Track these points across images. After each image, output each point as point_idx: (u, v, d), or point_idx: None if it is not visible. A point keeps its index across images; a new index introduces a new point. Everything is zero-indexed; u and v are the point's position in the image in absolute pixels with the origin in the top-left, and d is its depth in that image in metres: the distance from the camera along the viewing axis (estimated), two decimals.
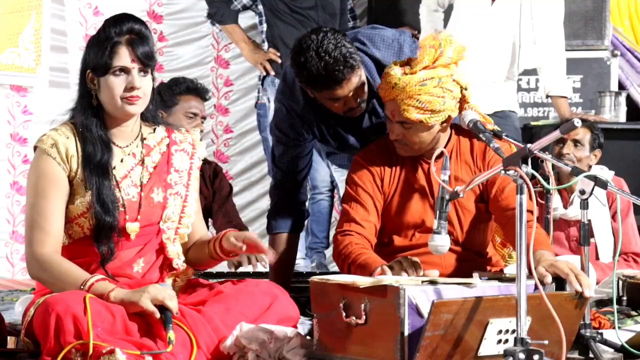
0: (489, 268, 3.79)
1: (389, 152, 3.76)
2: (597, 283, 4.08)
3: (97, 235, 3.21)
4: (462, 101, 3.65)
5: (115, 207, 3.21)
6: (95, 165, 3.21)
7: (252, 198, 6.86)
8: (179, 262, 3.35)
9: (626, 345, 3.27)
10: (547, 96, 5.67)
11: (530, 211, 2.94)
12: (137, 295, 3.04)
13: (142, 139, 3.36)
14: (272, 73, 5.86)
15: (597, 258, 4.79)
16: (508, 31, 5.39)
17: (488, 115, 5.19)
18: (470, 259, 3.66)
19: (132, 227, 3.26)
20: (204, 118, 4.86)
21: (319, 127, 3.97)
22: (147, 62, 3.21)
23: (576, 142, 4.87)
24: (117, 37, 3.21)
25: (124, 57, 3.20)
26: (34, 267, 3.19)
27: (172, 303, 3.03)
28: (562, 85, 5.62)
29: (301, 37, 3.75)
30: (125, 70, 3.20)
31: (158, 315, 3.02)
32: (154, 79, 3.31)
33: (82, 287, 3.08)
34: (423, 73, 3.54)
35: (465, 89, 3.64)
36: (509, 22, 5.38)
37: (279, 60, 5.80)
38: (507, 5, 5.37)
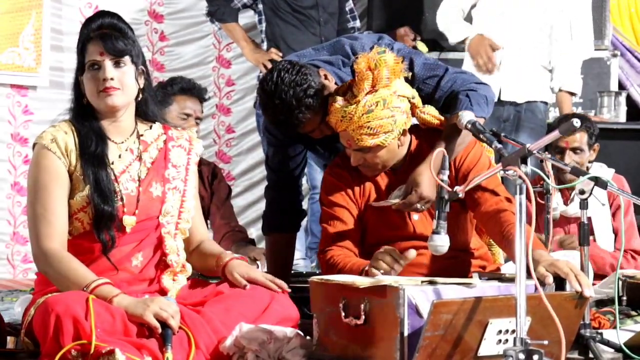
0: (474, 263, 3.80)
1: (350, 172, 3.77)
2: (595, 282, 4.07)
3: (97, 225, 3.23)
4: (413, 108, 3.66)
5: (113, 197, 3.24)
6: (91, 156, 3.26)
7: (254, 199, 6.84)
8: (174, 258, 3.36)
9: (624, 347, 3.27)
10: (559, 90, 5.64)
11: (528, 212, 2.94)
12: (141, 308, 3.05)
13: (139, 136, 3.39)
14: None
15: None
16: (542, 19, 5.39)
17: (518, 104, 5.26)
18: (455, 257, 3.66)
19: (129, 221, 3.28)
20: (199, 119, 4.85)
21: (309, 139, 3.97)
22: (116, 53, 3.27)
23: (575, 149, 4.84)
24: (89, 34, 3.30)
25: (93, 51, 3.28)
26: (42, 262, 3.21)
27: (174, 322, 3.04)
28: (575, 82, 5.61)
29: (261, 79, 3.77)
30: (97, 64, 3.27)
31: (160, 330, 3.03)
32: (144, 72, 3.36)
33: (85, 288, 3.09)
34: (366, 99, 3.53)
35: (413, 98, 3.64)
36: (543, 10, 5.38)
37: None
38: None
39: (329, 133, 3.77)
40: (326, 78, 3.74)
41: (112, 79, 3.26)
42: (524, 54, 5.39)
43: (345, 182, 3.76)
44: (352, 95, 3.56)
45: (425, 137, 3.74)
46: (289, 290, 3.34)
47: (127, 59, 3.29)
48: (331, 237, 3.72)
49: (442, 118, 3.72)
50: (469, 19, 5.66)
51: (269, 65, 5.82)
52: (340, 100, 3.57)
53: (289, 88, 3.62)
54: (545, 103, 5.56)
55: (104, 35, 3.28)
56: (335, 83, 3.77)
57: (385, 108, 3.53)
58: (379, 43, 3.89)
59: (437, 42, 6.21)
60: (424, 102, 3.79)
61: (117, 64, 3.28)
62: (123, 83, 3.29)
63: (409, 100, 3.63)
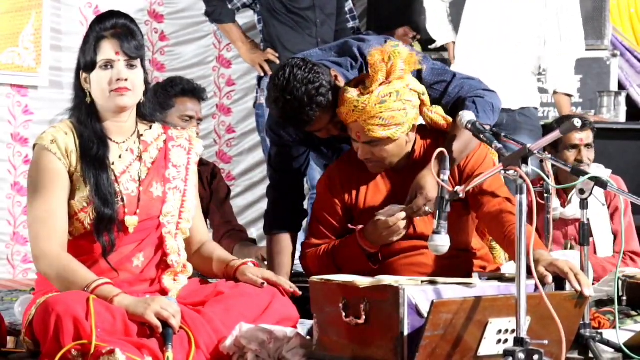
0: (476, 263, 3.80)
1: (350, 170, 3.80)
2: (596, 280, 4.07)
3: (97, 228, 3.23)
4: (421, 105, 3.67)
5: (113, 200, 3.24)
6: (92, 159, 3.26)
7: (255, 199, 6.84)
8: (174, 258, 3.36)
9: (624, 347, 3.27)
10: (554, 92, 5.65)
11: (529, 210, 2.94)
12: (142, 307, 3.05)
13: (139, 136, 3.40)
14: (270, 73, 5.84)
15: (595, 253, 4.79)
16: (533, 24, 5.39)
17: (512, 110, 5.26)
18: (455, 256, 3.66)
19: (131, 221, 3.28)
20: (200, 120, 4.84)
21: (314, 139, 3.98)
22: (132, 54, 3.27)
23: (588, 146, 4.88)
24: (102, 32, 3.28)
25: (108, 50, 3.27)
26: (42, 263, 3.21)
27: (175, 321, 3.05)
28: (570, 83, 5.61)
29: (273, 74, 3.77)
30: (110, 63, 3.26)
31: (161, 330, 3.03)
32: (146, 74, 3.36)
33: (85, 289, 3.09)
34: (380, 90, 3.54)
35: (423, 94, 3.65)
36: (534, 15, 5.38)
37: (277, 61, 5.79)
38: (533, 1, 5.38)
39: (336, 133, 3.77)
40: (336, 79, 3.74)
41: (126, 79, 3.26)
42: (520, 58, 5.39)
43: (338, 195, 3.79)
44: (365, 87, 3.57)
45: (430, 139, 3.75)
46: (300, 292, 3.37)
47: (139, 61, 3.30)
48: (312, 245, 3.85)
49: (450, 119, 3.73)
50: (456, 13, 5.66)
51: (265, 66, 5.84)
52: (352, 91, 3.58)
53: (301, 85, 3.63)
54: (536, 108, 5.57)
55: (120, 35, 3.27)
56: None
57: (398, 100, 3.54)
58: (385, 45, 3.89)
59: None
60: None
61: (130, 65, 3.28)
62: (134, 84, 3.29)
63: (419, 97, 3.64)
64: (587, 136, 4.85)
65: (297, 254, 4.11)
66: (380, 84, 3.54)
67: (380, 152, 3.64)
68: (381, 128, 3.55)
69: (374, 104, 3.52)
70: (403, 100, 3.56)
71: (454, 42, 5.69)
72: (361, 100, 3.54)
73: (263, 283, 3.33)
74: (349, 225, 3.75)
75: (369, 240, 3.63)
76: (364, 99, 3.54)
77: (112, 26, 3.29)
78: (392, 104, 3.53)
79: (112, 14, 3.33)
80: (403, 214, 3.52)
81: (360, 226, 3.66)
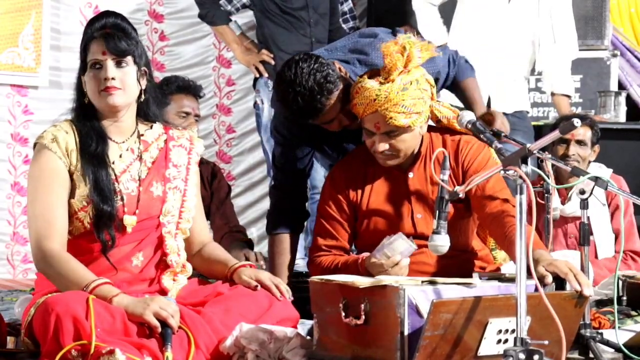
0: (477, 262, 3.81)
1: (353, 170, 3.81)
2: (595, 284, 4.07)
3: (96, 225, 3.24)
4: (430, 98, 3.70)
5: (112, 196, 3.25)
6: (91, 156, 3.27)
7: (255, 199, 6.85)
8: (174, 258, 3.36)
9: (623, 348, 3.27)
10: (552, 94, 5.66)
11: (529, 210, 2.94)
12: (141, 307, 3.06)
13: (139, 135, 3.40)
14: (265, 75, 5.84)
15: (596, 256, 4.79)
16: (527, 29, 5.40)
17: (506, 114, 5.28)
18: (456, 256, 3.66)
19: (130, 220, 3.29)
20: (197, 116, 4.85)
21: (318, 139, 3.98)
22: (118, 53, 3.27)
23: (580, 142, 4.88)
24: (93, 33, 3.31)
25: (95, 51, 3.29)
26: (41, 261, 3.22)
27: (174, 321, 3.05)
28: (567, 84, 5.61)
29: (278, 73, 3.81)
30: (99, 63, 3.28)
31: (160, 330, 3.03)
32: (147, 73, 3.37)
33: (84, 288, 3.09)
34: (401, 78, 3.57)
35: (433, 87, 3.71)
36: (528, 20, 5.39)
37: (272, 62, 5.79)
38: (525, 3, 5.37)
39: (347, 123, 3.78)
40: (341, 70, 3.78)
41: (113, 78, 3.26)
42: (513, 64, 5.39)
43: (344, 193, 3.79)
44: (384, 76, 3.60)
45: (437, 135, 3.77)
46: (291, 298, 3.36)
47: (129, 59, 3.30)
48: (321, 248, 3.81)
49: (457, 110, 3.75)
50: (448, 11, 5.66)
51: (260, 67, 5.85)
52: (371, 82, 3.61)
53: (310, 75, 3.67)
54: (527, 112, 5.59)
55: (107, 35, 3.28)
56: (350, 77, 3.80)
57: (417, 88, 3.61)
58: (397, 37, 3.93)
59: None
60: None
61: (119, 64, 3.28)
62: (124, 83, 3.29)
63: (431, 88, 3.69)
64: (580, 133, 4.85)
65: (298, 254, 4.11)
66: (400, 73, 3.57)
67: (398, 144, 3.65)
68: (403, 115, 3.57)
69: (396, 92, 3.56)
70: (421, 89, 3.62)
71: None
72: (383, 88, 3.57)
73: (257, 286, 3.33)
74: (351, 252, 3.74)
75: (371, 271, 3.57)
76: (386, 87, 3.57)
77: (101, 27, 3.31)
78: (413, 92, 3.58)
79: (103, 15, 3.36)
80: (398, 258, 3.45)
81: (364, 254, 3.62)
